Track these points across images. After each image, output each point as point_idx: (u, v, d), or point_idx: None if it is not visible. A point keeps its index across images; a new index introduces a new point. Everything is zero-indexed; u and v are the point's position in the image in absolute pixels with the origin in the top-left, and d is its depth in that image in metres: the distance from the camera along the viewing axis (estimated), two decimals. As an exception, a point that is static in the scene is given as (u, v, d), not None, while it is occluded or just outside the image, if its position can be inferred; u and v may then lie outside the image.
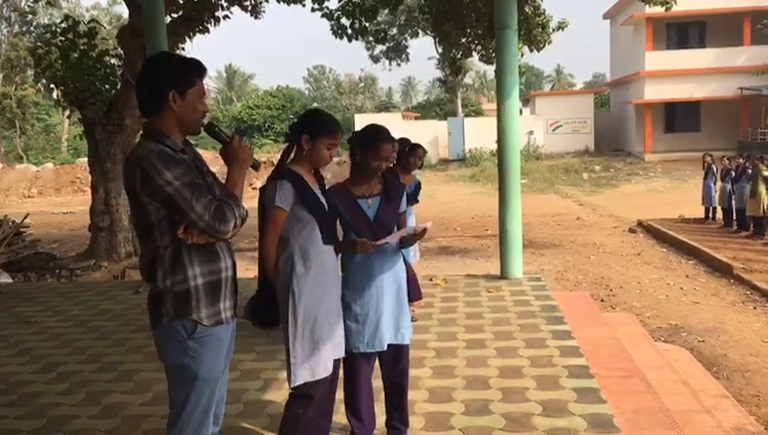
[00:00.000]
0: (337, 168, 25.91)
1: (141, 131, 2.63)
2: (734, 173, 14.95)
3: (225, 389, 2.85)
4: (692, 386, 5.27)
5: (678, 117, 32.50)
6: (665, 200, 20.67)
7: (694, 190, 18.28)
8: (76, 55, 11.23)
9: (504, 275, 7.40)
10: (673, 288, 10.27)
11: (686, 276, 11.08)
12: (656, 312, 9.01)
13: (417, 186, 6.12)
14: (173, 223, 2.49)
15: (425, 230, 3.39)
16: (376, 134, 3.37)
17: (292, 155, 3.19)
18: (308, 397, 3.13)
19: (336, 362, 3.25)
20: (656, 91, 30.93)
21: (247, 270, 11.41)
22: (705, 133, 31.64)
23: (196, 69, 2.57)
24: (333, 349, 3.19)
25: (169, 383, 2.62)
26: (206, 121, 2.67)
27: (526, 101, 40.35)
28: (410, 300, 3.72)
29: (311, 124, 3.14)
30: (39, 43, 12.57)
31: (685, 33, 32.30)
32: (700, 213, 16.42)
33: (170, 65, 2.56)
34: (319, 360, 3.10)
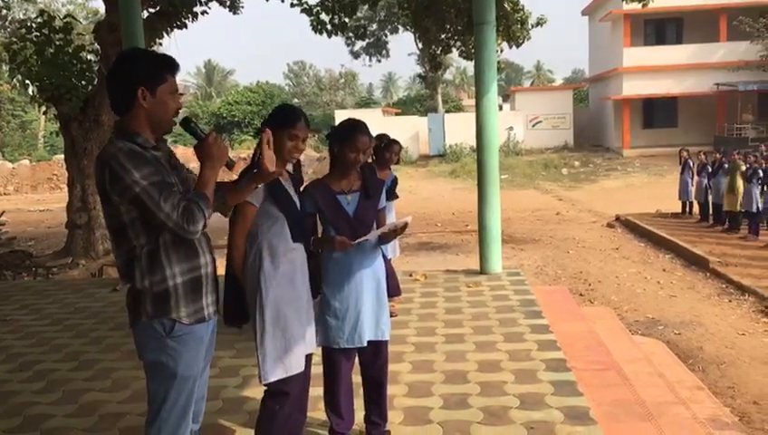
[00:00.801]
0: (317, 163, 25.86)
1: (113, 129, 2.58)
2: (710, 168, 15.14)
3: (206, 386, 2.84)
4: (668, 378, 5.34)
5: (656, 112, 32.83)
6: (643, 195, 20.88)
7: (671, 185, 18.48)
8: (52, 51, 11.09)
9: (483, 271, 7.44)
10: (650, 282, 10.38)
11: (663, 270, 11.20)
12: (633, 305, 9.10)
13: (394, 181, 6.14)
14: (146, 223, 2.45)
15: (405, 225, 3.40)
16: (352, 127, 3.38)
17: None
18: (283, 393, 3.13)
19: (308, 357, 3.25)
20: (634, 87, 31.21)
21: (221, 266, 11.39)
22: (682, 129, 31.99)
23: (167, 65, 2.52)
24: (305, 345, 3.18)
25: (148, 381, 2.61)
26: (178, 119, 2.64)
27: (506, 96, 40.55)
28: (389, 296, 3.73)
29: (271, 118, 3.12)
30: (14, 39, 12.38)
31: (662, 29, 32.63)
32: (677, 207, 16.61)
33: (140, 61, 2.51)
34: (291, 356, 3.10)
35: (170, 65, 2.53)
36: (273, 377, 3.06)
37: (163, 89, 2.50)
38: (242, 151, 33.74)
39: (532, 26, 15.39)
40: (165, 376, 2.55)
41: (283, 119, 3.10)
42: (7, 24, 43.30)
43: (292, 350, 3.10)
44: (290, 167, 3.26)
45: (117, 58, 2.58)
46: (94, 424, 3.98)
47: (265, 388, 3.16)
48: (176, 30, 12.57)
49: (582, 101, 43.25)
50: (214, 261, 2.72)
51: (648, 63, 30.83)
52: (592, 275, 10.86)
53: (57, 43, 11.17)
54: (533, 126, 34.18)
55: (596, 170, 28.36)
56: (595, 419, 3.75)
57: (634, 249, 13.15)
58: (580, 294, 9.59)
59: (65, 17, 11.87)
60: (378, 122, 22.94)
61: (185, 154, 32.49)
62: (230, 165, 2.66)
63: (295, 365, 3.12)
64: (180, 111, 2.62)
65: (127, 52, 2.62)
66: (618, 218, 16.52)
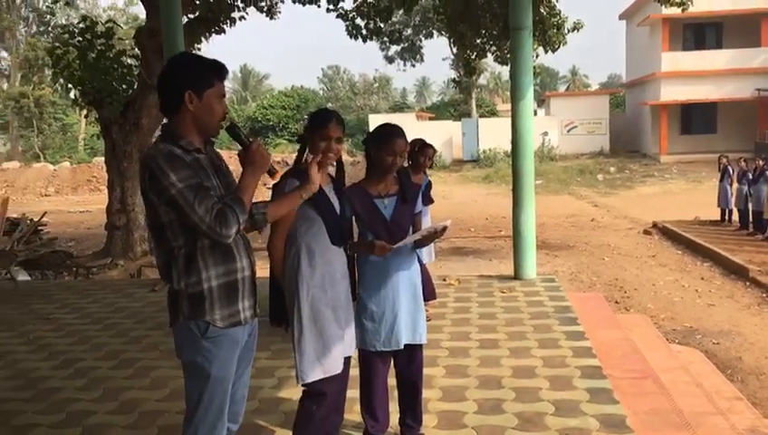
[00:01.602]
0: (351, 168, 25.99)
1: (159, 132, 2.64)
2: (750, 175, 14.85)
3: (247, 387, 2.88)
4: (706, 388, 5.26)
5: (694, 118, 32.28)
6: (680, 202, 20.56)
7: (709, 192, 18.16)
8: (94, 55, 11.35)
9: (517, 276, 7.41)
10: (688, 290, 10.23)
11: (702, 279, 11.02)
12: (670, 314, 8.98)
13: (428, 185, 6.15)
14: (183, 225, 2.50)
15: (444, 229, 3.42)
16: (389, 131, 3.42)
17: (306, 154, 3.23)
18: (321, 394, 3.17)
19: (346, 359, 3.29)
20: (672, 93, 30.74)
21: (261, 269, 11.50)
22: (722, 135, 31.41)
23: (215, 70, 2.57)
24: (344, 347, 3.22)
25: (186, 381, 2.67)
26: (226, 123, 2.69)
27: (541, 101, 40.25)
28: (425, 300, 3.75)
29: (308, 122, 3.23)
30: (57, 44, 12.69)
31: (701, 33, 32.09)
32: (716, 215, 16.32)
33: (189, 66, 2.57)
34: (329, 357, 3.13)
35: (218, 70, 2.58)
36: (311, 378, 3.10)
37: (210, 93, 2.55)
38: (276, 156, 34.06)
39: (569, 31, 15.26)
40: (200, 376, 2.59)
41: (315, 121, 3.18)
42: (50, 29, 44.42)
43: (330, 351, 3.14)
44: (331, 170, 3.30)
45: (167, 62, 2.65)
46: (134, 421, 4.06)
47: (303, 388, 3.20)
48: (214, 35, 12.78)
49: (619, 107, 42.74)
50: (252, 265, 2.74)
51: (686, 68, 30.35)
52: (628, 283, 10.73)
53: (99, 47, 11.43)
54: (569, 131, 33.87)
55: (632, 177, 28.00)
56: (632, 427, 3.72)
57: (671, 257, 12.96)
58: (616, 302, 9.49)
59: (107, 22, 12.14)
60: (411, 127, 22.96)
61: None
62: (271, 172, 2.69)
63: (333, 366, 3.15)
64: (227, 115, 2.67)
65: (177, 56, 2.68)
66: (655, 225, 16.29)
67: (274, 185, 3.16)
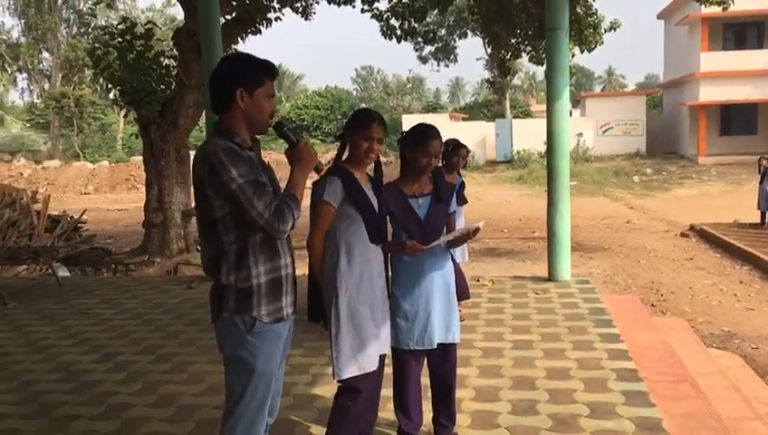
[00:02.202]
0: (384, 168, 26.00)
1: (212, 128, 2.71)
2: (792, 177, 14.52)
3: (282, 382, 2.94)
4: (744, 393, 5.17)
5: (734, 119, 31.66)
6: (719, 204, 20.18)
7: (749, 194, 17.80)
8: (133, 56, 11.54)
9: (551, 278, 7.37)
10: (726, 294, 10.04)
11: (741, 282, 10.81)
12: (708, 318, 8.83)
13: (461, 185, 6.15)
14: (238, 220, 2.55)
15: (477, 230, 3.43)
16: (424, 131, 3.44)
17: (346, 154, 3.27)
18: (357, 390, 3.20)
19: (381, 357, 3.31)
20: (711, 93, 30.19)
21: (299, 267, 11.59)
22: (762, 136, 30.76)
23: (266, 69, 2.65)
24: (380, 345, 3.25)
25: (227, 375, 2.71)
26: (273, 121, 2.76)
27: (576, 102, 39.84)
28: (458, 299, 3.76)
29: (350, 120, 3.26)
30: (97, 45, 12.93)
31: (742, 33, 31.46)
32: (756, 218, 15.98)
33: (240, 64, 2.65)
34: (365, 355, 3.16)
35: (269, 70, 2.66)
36: (347, 374, 3.13)
37: (260, 91, 2.63)
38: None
39: (605, 31, 15.08)
40: (244, 371, 2.64)
41: (358, 121, 3.21)
42: (90, 30, 45.29)
43: (366, 348, 3.17)
44: (370, 170, 3.34)
45: (221, 61, 2.73)
46: (172, 415, 4.14)
47: (339, 385, 3.24)
48: (250, 35, 12.91)
49: (656, 107, 42.11)
50: (293, 262, 2.80)
51: (726, 68, 29.76)
52: (664, 286, 10.58)
53: (138, 48, 11.62)
54: (604, 132, 33.47)
55: (669, 178, 27.57)
56: (668, 431, 3.69)
57: (709, 260, 12.73)
58: (652, 305, 9.36)
59: (146, 24, 12.34)
60: (445, 127, 22.82)
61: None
62: (318, 168, 2.79)
63: (368, 364, 3.18)
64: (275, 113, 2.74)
65: (230, 55, 2.78)
66: (692, 228, 16.02)
67: (314, 182, 3.21)
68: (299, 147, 2.69)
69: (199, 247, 12.25)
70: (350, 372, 3.13)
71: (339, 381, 3.21)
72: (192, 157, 2.82)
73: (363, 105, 54.52)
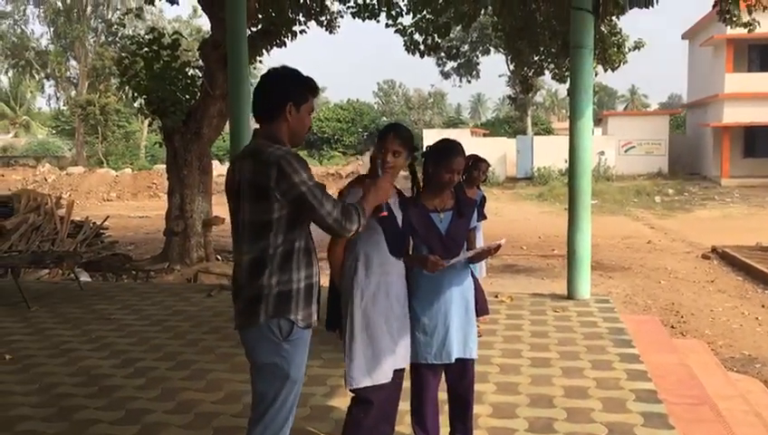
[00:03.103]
0: (404, 181, 26.06)
1: (257, 132, 2.82)
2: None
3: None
4: (765, 418, 5.10)
5: (759, 141, 31.34)
6: (741, 227, 19.96)
7: (773, 218, 17.59)
8: (159, 66, 11.69)
9: (570, 296, 7.33)
10: (748, 318, 9.92)
11: (762, 306, 10.67)
12: (728, 341, 8.72)
13: (482, 200, 6.15)
14: (292, 223, 2.66)
15: (498, 247, 3.43)
16: (448, 147, 3.46)
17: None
18: (368, 402, 3.21)
19: (400, 371, 3.32)
20: (735, 115, 29.94)
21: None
22: (787, 159, 30.43)
23: (311, 87, 2.80)
24: (395, 358, 3.25)
25: (258, 382, 2.74)
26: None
27: (598, 120, 39.65)
28: (477, 314, 3.76)
29: (432, 151, 3.43)
30: (124, 54, 13.13)
31: (767, 55, 31.21)
32: (779, 241, 15.78)
33: (293, 80, 2.78)
34: (377, 366, 3.17)
35: (313, 88, 2.81)
36: (358, 384, 3.15)
37: (305, 107, 2.78)
38: (330, 168, 34.42)
39: (629, 50, 15.10)
40: (278, 377, 2.69)
41: (378, 133, 3.30)
42: (117, 39, 45.97)
43: (379, 361, 3.18)
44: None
45: (275, 72, 2.80)
46: (190, 422, 4.17)
47: (352, 396, 3.25)
48: (275, 48, 13.04)
49: (679, 128, 41.82)
50: (319, 272, 2.87)
51: (751, 90, 29.52)
52: (685, 308, 10.47)
53: (165, 58, 11.76)
54: (626, 151, 33.29)
55: (691, 199, 27.32)
56: (687, 453, 3.65)
57: (731, 283, 12.59)
58: (672, 327, 9.27)
59: (173, 34, 12.51)
60: (466, 143, 22.62)
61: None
62: (380, 208, 3.02)
63: (381, 376, 3.19)
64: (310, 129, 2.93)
65: (284, 69, 2.83)
66: (714, 250, 15.85)
67: (339, 192, 3.26)
68: (381, 180, 2.94)
69: (219, 257, 12.37)
70: (363, 382, 3.15)
71: (351, 392, 3.23)
72: (229, 165, 2.93)
73: (384, 119, 54.63)
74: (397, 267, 3.27)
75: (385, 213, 3.09)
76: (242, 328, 2.74)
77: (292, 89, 2.75)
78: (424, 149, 3.58)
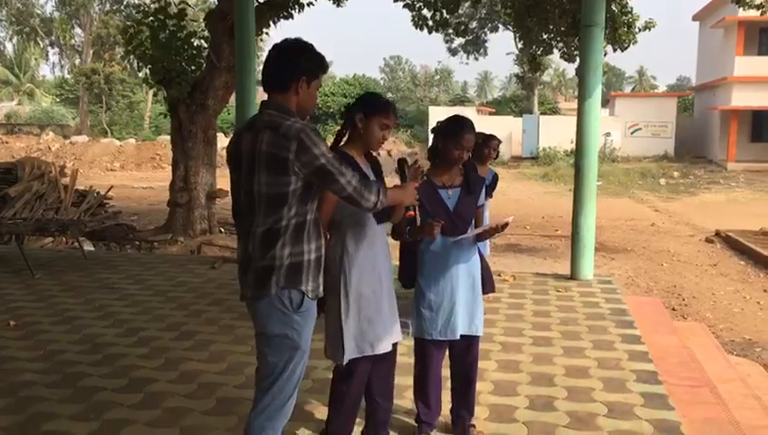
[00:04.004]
0: (408, 159, 25.96)
1: (267, 104, 2.76)
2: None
3: None
4: (764, 401, 5.12)
5: (766, 126, 31.17)
6: (746, 211, 19.91)
7: (778, 203, 17.53)
8: (165, 36, 11.60)
9: (573, 276, 7.34)
10: (749, 302, 9.93)
11: (765, 291, 10.68)
12: (729, 325, 8.74)
13: (494, 178, 6.11)
14: (304, 196, 2.66)
15: (506, 225, 3.42)
16: (458, 123, 3.43)
17: (345, 138, 3.25)
18: (349, 373, 3.20)
19: (393, 346, 3.31)
20: (744, 98, 29.73)
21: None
22: (794, 144, 30.28)
23: (322, 64, 2.80)
24: (383, 330, 3.20)
25: (269, 353, 2.74)
26: (397, 156, 2.92)
27: (605, 101, 39.44)
28: (484, 292, 3.76)
29: (364, 103, 3.19)
30: (130, 23, 13.03)
31: (778, 38, 30.94)
32: (783, 227, 15.74)
33: (308, 54, 2.76)
34: (364, 337, 3.16)
35: (324, 65, 2.81)
36: (349, 356, 3.13)
37: (315, 84, 2.79)
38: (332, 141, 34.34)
39: (640, 30, 14.89)
40: (288, 348, 2.72)
41: (378, 105, 3.17)
42: (123, 7, 45.68)
43: (367, 332, 3.16)
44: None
45: (292, 44, 2.77)
46: (194, 391, 4.20)
47: (334, 370, 3.27)
48: (282, 20, 12.92)
49: (687, 110, 41.58)
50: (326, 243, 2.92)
51: (761, 74, 29.27)
52: (686, 290, 10.48)
53: (171, 28, 11.67)
54: (632, 133, 33.15)
55: (696, 183, 27.23)
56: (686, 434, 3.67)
57: (733, 267, 12.58)
58: (673, 309, 9.28)
59: (180, 3, 12.39)
60: (472, 120, 22.75)
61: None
62: (408, 209, 3.16)
63: (368, 347, 3.17)
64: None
65: (295, 42, 2.80)
66: (718, 234, 15.83)
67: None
68: (409, 185, 2.98)
69: (223, 229, 12.38)
70: (350, 354, 3.14)
71: (336, 364, 3.22)
72: (233, 136, 2.90)
73: (390, 95, 54.35)
74: (382, 237, 3.25)
75: (411, 213, 3.15)
76: (253, 299, 2.73)
77: (306, 64, 2.74)
78: (433, 126, 3.55)
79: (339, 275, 3.15)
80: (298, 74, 2.72)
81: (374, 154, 3.33)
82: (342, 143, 3.23)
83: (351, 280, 3.13)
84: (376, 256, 3.21)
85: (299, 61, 2.73)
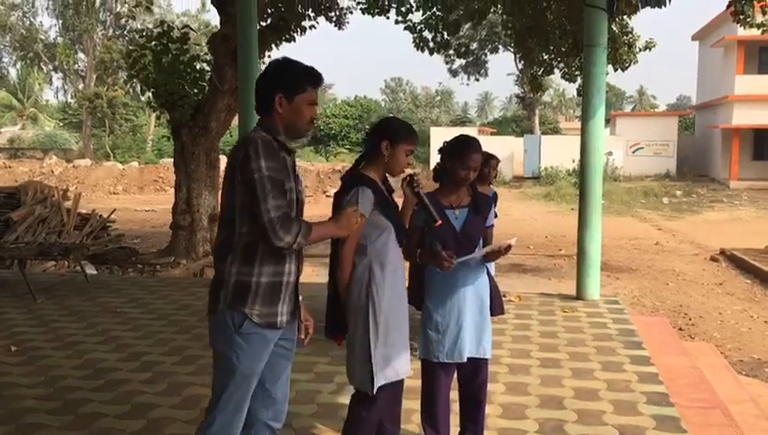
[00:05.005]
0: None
1: (256, 125, 2.76)
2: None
3: (288, 386, 2.92)
4: (777, 424, 5.04)
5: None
6: (750, 230, 19.84)
7: (782, 221, 17.46)
8: (168, 59, 11.66)
9: (579, 296, 7.28)
10: (757, 321, 9.84)
11: (772, 310, 10.60)
12: (737, 344, 8.65)
13: (494, 197, 6.08)
14: (251, 214, 2.56)
15: (509, 247, 3.38)
16: (465, 144, 3.40)
17: (363, 162, 3.23)
18: (373, 400, 3.15)
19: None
20: (745, 117, 29.78)
21: (318, 276, 11.57)
22: (797, 162, 30.27)
23: (309, 76, 2.69)
24: (405, 354, 3.20)
25: (213, 369, 2.73)
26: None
27: (607, 121, 39.46)
28: (493, 314, 3.70)
29: (391, 130, 3.17)
30: (133, 47, 13.10)
31: (778, 57, 31.06)
32: (788, 245, 15.66)
33: (283, 70, 2.69)
34: (391, 364, 3.13)
35: (313, 77, 2.69)
36: (377, 385, 3.10)
37: (301, 99, 2.67)
38: (336, 164, 34.36)
39: (640, 50, 14.95)
40: (227, 369, 2.65)
41: (404, 134, 3.17)
42: (125, 32, 46.03)
43: (393, 357, 3.13)
44: None
45: (266, 66, 2.77)
46: (196, 417, 4.11)
47: (354, 393, 3.21)
48: (284, 43, 12.99)
49: (688, 129, 41.65)
50: (299, 272, 2.79)
51: (761, 92, 29.33)
52: (693, 310, 10.39)
53: (174, 52, 11.74)
54: (634, 152, 33.17)
55: (699, 201, 27.18)
56: (700, 458, 3.60)
57: (740, 285, 12.50)
58: (680, 329, 9.19)
59: (183, 28, 12.47)
60: (478, 140, 22.77)
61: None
62: (434, 220, 3.17)
63: (393, 373, 3.15)
64: (315, 121, 2.77)
65: (276, 60, 2.78)
66: (722, 252, 15.75)
67: (338, 193, 3.16)
68: (343, 214, 2.80)
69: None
70: (380, 382, 3.10)
71: (357, 390, 3.18)
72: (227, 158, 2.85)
73: (391, 116, 54.49)
74: (402, 262, 3.24)
75: (440, 222, 3.13)
76: (207, 313, 2.72)
77: (280, 79, 2.66)
78: (440, 146, 3.53)
79: (366, 302, 3.09)
80: (273, 92, 2.65)
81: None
82: (362, 166, 3.21)
83: (381, 307, 3.09)
84: (398, 279, 3.20)
85: (272, 78, 2.68)
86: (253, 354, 2.64)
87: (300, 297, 2.85)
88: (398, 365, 3.16)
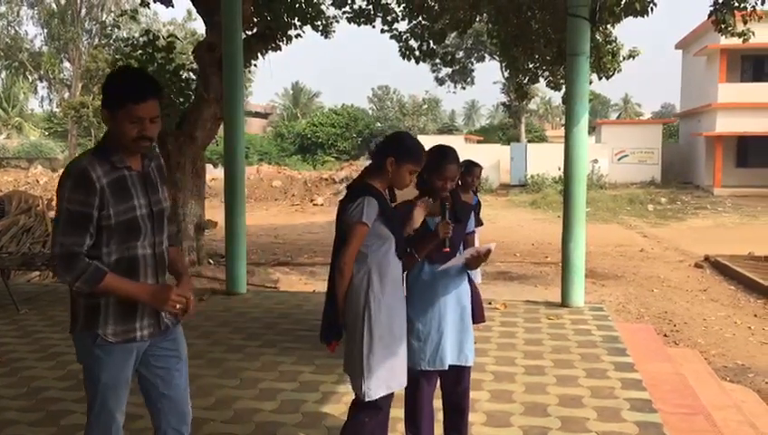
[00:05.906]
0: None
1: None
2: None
3: (187, 390, 2.97)
4: (760, 429, 5.08)
5: (751, 151, 31.51)
6: (734, 236, 20.02)
7: (765, 227, 17.67)
8: (153, 69, 11.64)
9: (564, 303, 7.30)
10: (740, 327, 9.92)
11: (755, 316, 10.69)
12: (721, 350, 8.72)
13: (478, 205, 6.11)
14: (96, 237, 2.55)
15: (488, 252, 3.40)
16: (441, 154, 3.40)
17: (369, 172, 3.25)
18: (377, 408, 3.17)
19: None
20: (728, 124, 30.10)
21: (306, 284, 11.56)
22: (779, 169, 30.58)
23: (127, 93, 2.53)
24: (405, 362, 3.24)
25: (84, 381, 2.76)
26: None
27: (591, 129, 39.80)
28: (474, 322, 3.71)
29: (399, 148, 3.17)
30: (118, 56, 13.07)
31: (760, 65, 31.44)
32: (771, 251, 15.81)
33: (109, 83, 2.62)
34: (393, 373, 3.16)
35: (129, 94, 2.53)
36: (377, 394, 3.11)
37: (121, 114, 2.54)
38: (324, 173, 34.32)
39: (624, 58, 15.08)
40: (91, 380, 2.68)
41: (411, 155, 3.17)
42: (111, 41, 45.89)
43: (394, 367, 3.16)
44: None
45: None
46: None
47: (360, 401, 3.19)
48: (270, 51, 13.00)
49: (672, 137, 42.01)
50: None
51: (744, 100, 29.69)
52: (677, 316, 10.47)
53: (159, 61, 11.71)
54: (619, 160, 33.41)
55: (684, 208, 27.40)
56: (682, 464, 3.62)
57: (723, 292, 12.60)
58: (665, 335, 9.25)
59: (168, 37, 12.45)
60: (460, 149, 22.61)
61: (268, 173, 33.28)
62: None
63: (396, 383, 3.19)
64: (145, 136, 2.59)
65: (113, 71, 2.75)
66: (707, 259, 15.88)
67: (341, 201, 3.19)
68: (161, 287, 2.67)
69: (211, 261, 12.30)
70: (380, 392, 3.12)
71: (360, 398, 3.17)
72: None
73: (379, 124, 54.58)
74: (401, 273, 3.27)
75: (447, 249, 3.21)
76: (70, 331, 2.74)
77: (106, 93, 2.58)
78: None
79: (362, 310, 3.10)
80: (102, 106, 2.60)
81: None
82: (368, 176, 3.22)
83: (379, 316, 3.10)
84: (397, 290, 3.23)
85: (103, 91, 2.62)
86: (114, 365, 2.65)
87: (186, 273, 2.85)
88: (401, 375, 3.21)
